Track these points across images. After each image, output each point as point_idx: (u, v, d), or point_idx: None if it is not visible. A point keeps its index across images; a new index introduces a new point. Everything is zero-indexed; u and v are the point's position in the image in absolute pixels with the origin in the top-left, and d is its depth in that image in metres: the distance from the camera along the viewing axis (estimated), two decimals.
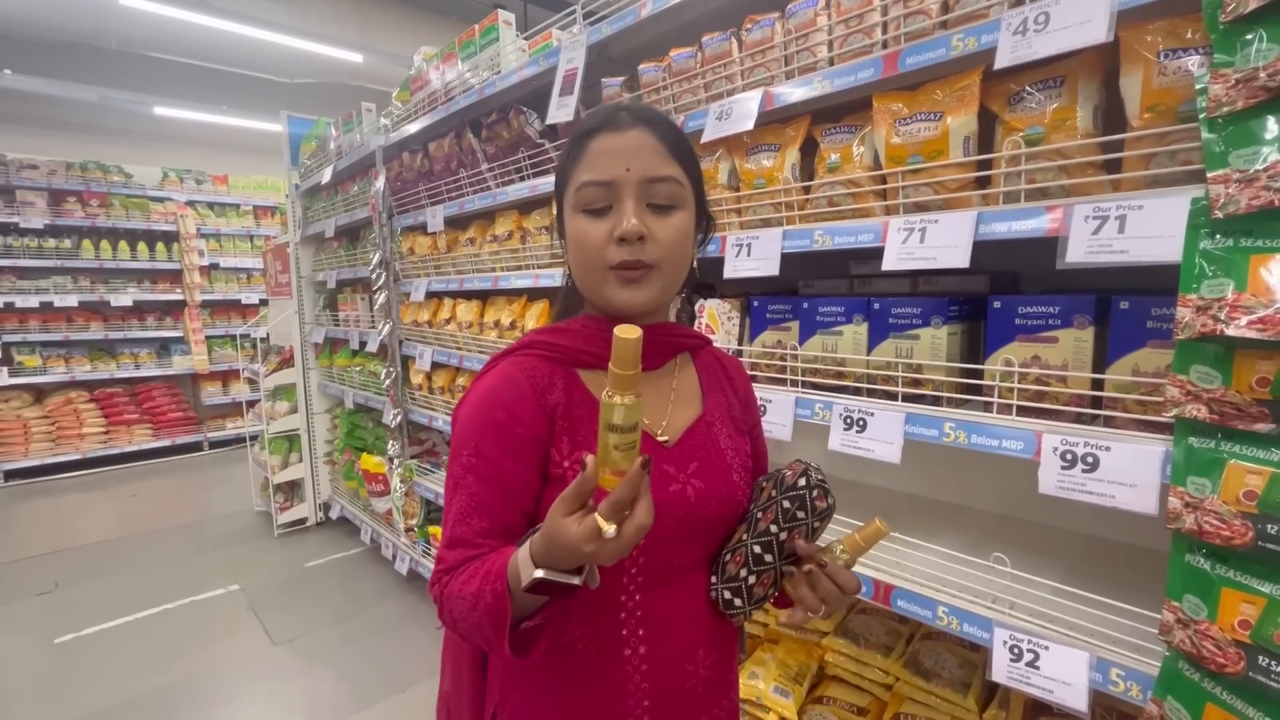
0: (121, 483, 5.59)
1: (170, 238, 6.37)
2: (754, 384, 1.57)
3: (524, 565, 0.64)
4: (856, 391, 1.36)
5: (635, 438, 0.61)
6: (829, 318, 1.40)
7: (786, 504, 0.80)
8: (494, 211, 2.52)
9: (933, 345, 1.23)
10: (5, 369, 5.56)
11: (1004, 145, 1.09)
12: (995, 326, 1.15)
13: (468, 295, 2.79)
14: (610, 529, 0.58)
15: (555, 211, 0.86)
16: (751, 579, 0.80)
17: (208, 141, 6.76)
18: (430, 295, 2.94)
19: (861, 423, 1.27)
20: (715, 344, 1.60)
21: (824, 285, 1.71)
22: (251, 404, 4.93)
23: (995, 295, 1.15)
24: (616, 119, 0.77)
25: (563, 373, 0.80)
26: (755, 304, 1.55)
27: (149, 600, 3.35)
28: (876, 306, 1.31)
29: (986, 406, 1.16)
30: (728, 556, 0.83)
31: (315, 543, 4.06)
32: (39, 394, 5.88)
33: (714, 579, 0.83)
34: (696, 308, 1.69)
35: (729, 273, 1.47)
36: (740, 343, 1.59)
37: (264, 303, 5.81)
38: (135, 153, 6.35)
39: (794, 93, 1.36)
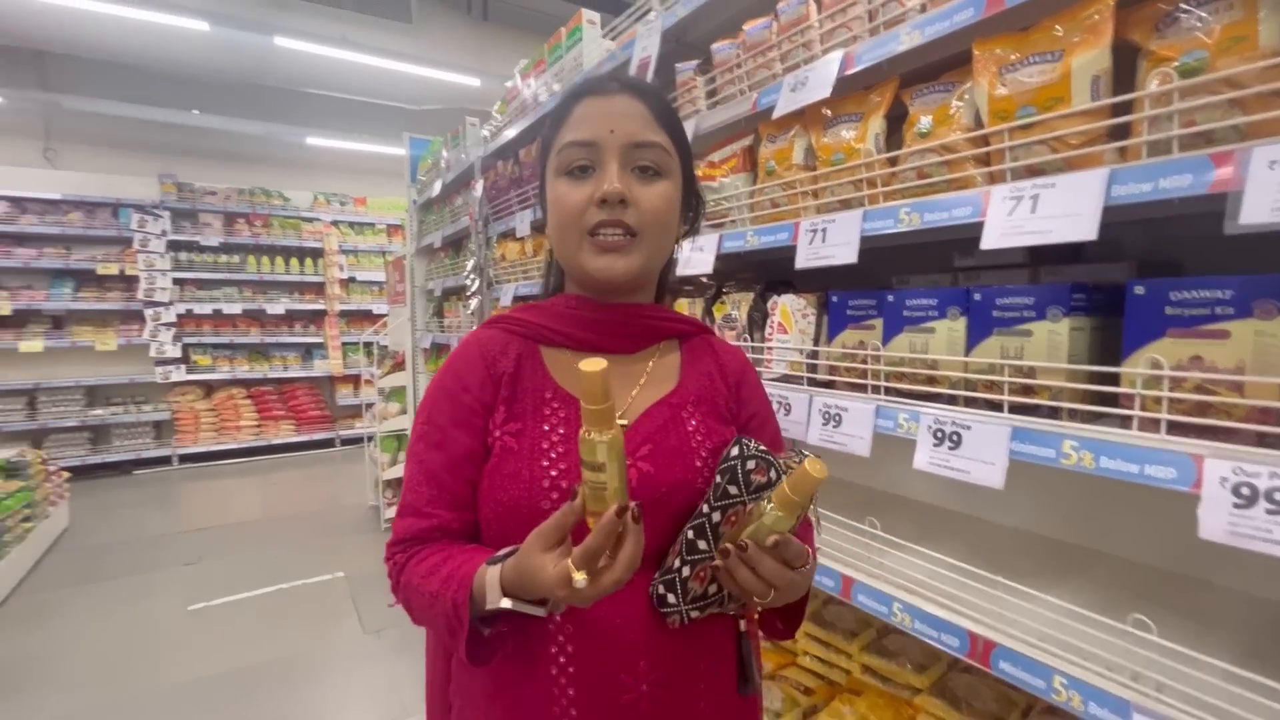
0: (266, 471, 6.24)
1: (316, 254, 7.10)
2: (832, 389, 1.38)
3: (491, 589, 0.62)
4: (951, 400, 1.13)
5: (613, 478, 0.56)
6: (919, 312, 1.18)
7: (718, 479, 0.69)
8: None
9: (1050, 343, 0.98)
10: (184, 366, 6.43)
11: (1148, 82, 0.84)
12: (1138, 318, 0.89)
13: None
14: (580, 578, 0.55)
15: (538, 185, 0.83)
16: (685, 570, 0.69)
17: (350, 167, 7.50)
18: (518, 300, 2.97)
19: (955, 437, 1.04)
20: (787, 344, 1.41)
21: (922, 282, 1.47)
22: (371, 406, 5.31)
23: (1137, 280, 0.90)
24: (603, 85, 0.76)
25: (521, 345, 0.78)
26: (834, 300, 1.36)
27: (269, 579, 3.65)
28: (978, 297, 1.08)
29: (1124, 422, 0.90)
30: (671, 548, 0.73)
31: None
32: (208, 389, 6.74)
33: (656, 574, 0.72)
34: (770, 305, 1.52)
35: (801, 262, 1.29)
36: (817, 343, 1.40)
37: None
38: (291, 179, 7.18)
39: (878, 50, 1.17)
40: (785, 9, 1.38)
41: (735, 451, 0.69)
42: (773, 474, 0.67)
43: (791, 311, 1.45)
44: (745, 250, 1.49)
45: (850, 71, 1.22)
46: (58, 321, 6.10)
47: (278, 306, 6.91)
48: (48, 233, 5.87)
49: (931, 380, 1.15)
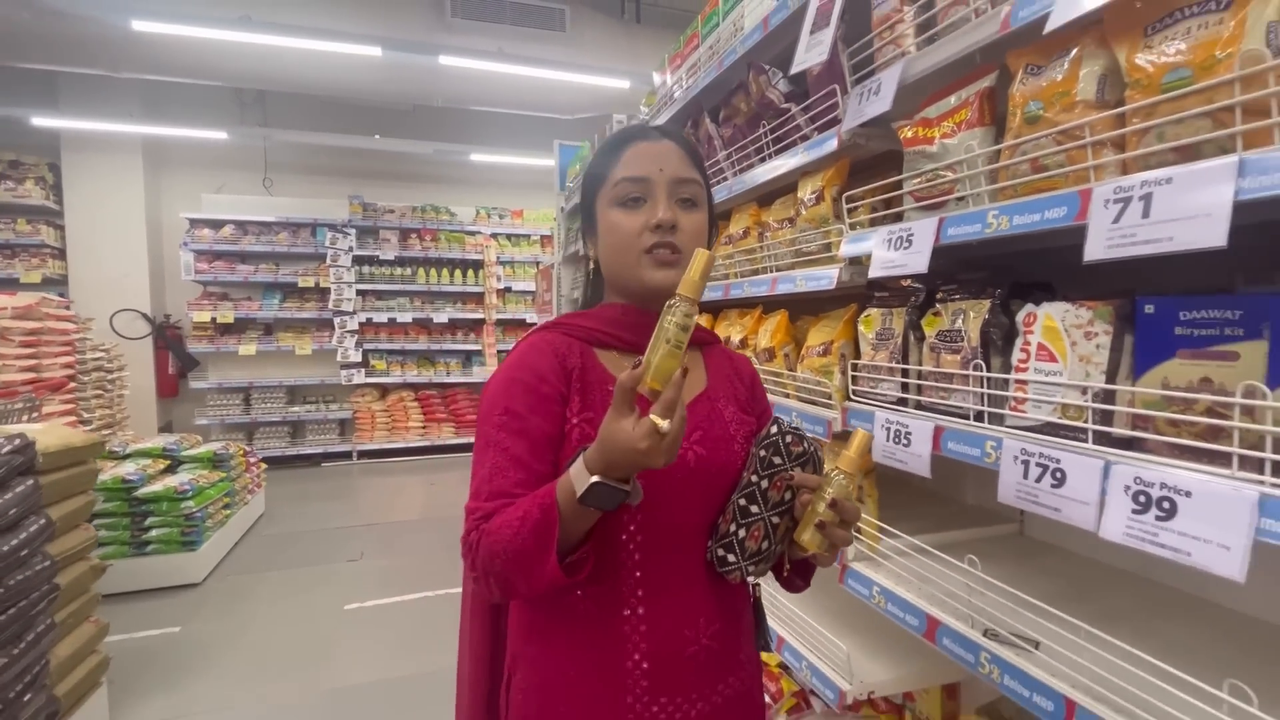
0: (428, 471, 6.59)
1: (477, 265, 7.44)
2: (1143, 449, 0.87)
3: (578, 478, 0.70)
4: None
5: (683, 346, 0.69)
6: None
7: (763, 453, 0.85)
8: (729, 209, 2.12)
9: None
10: (364, 370, 7.03)
11: None
12: None
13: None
14: (665, 424, 0.66)
15: (582, 217, 0.96)
16: (741, 532, 0.84)
17: (508, 182, 7.77)
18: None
19: None
20: (1058, 379, 0.95)
21: None
22: None
23: None
24: (648, 132, 0.91)
25: (580, 346, 0.88)
26: (1150, 310, 0.85)
27: (419, 584, 3.70)
28: None
29: None
30: (720, 518, 0.88)
31: None
32: (383, 391, 7.31)
33: (710, 542, 0.87)
34: (1023, 319, 1.03)
35: (1099, 250, 0.81)
36: (1114, 379, 0.90)
37: None
38: (457, 195, 7.60)
39: None
40: None
41: (774, 429, 0.86)
42: (805, 445, 0.85)
43: (1064, 329, 0.95)
44: (982, 238, 1.03)
45: None
46: (268, 328, 6.96)
47: (442, 315, 7.32)
48: (263, 251, 6.71)
49: None
